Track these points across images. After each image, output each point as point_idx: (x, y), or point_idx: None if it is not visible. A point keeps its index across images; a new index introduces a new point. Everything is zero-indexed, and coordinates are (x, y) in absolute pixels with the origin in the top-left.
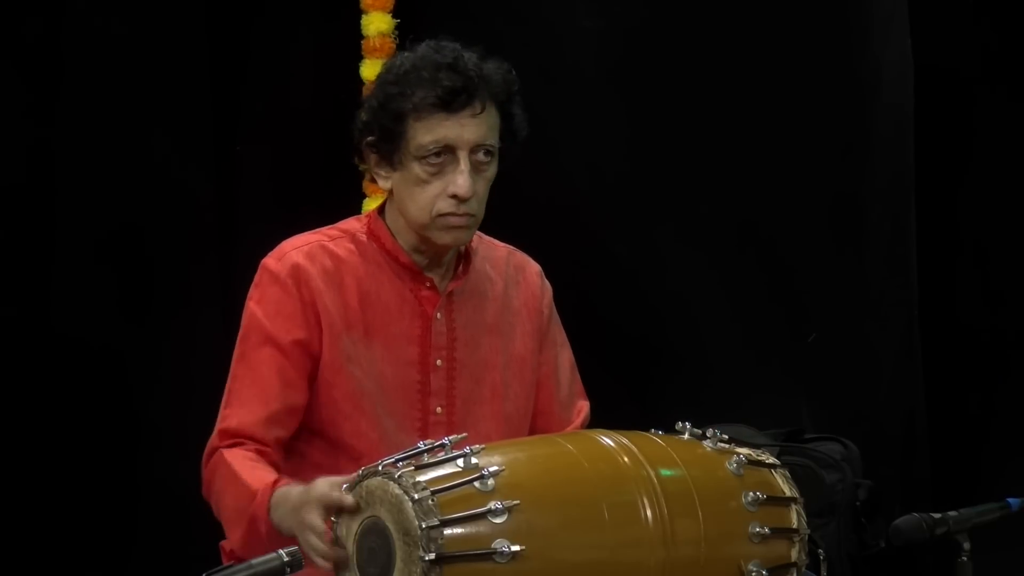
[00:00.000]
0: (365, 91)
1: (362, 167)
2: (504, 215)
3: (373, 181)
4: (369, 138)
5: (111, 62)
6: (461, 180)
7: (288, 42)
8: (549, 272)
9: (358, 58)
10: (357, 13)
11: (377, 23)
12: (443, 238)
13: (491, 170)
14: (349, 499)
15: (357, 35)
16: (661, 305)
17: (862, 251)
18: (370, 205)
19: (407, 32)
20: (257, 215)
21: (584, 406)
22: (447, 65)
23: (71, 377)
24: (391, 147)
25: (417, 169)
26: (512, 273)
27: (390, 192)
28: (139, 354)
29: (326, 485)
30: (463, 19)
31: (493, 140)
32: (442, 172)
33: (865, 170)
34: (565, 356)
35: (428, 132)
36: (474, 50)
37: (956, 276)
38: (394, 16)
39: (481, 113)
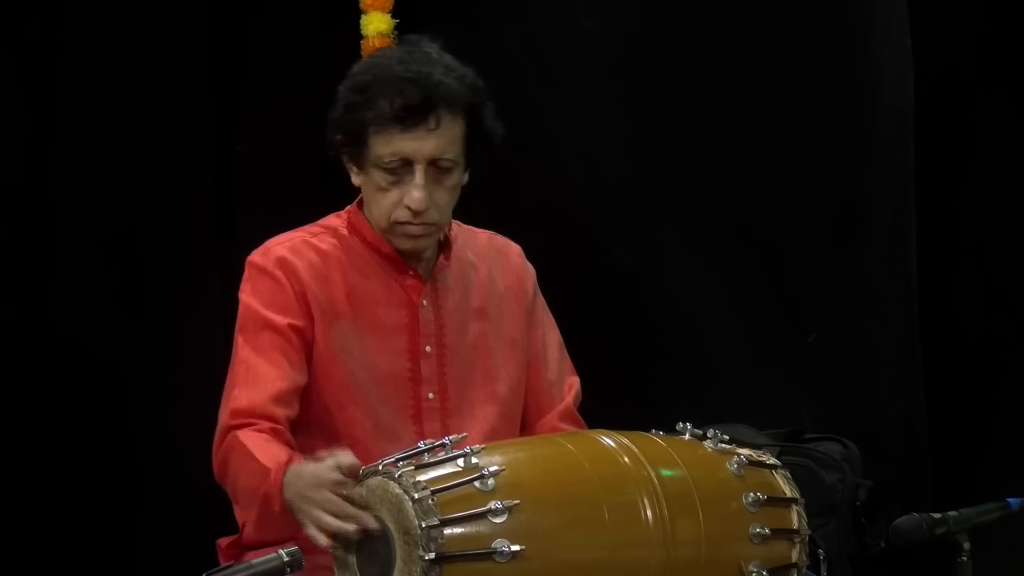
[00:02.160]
0: None
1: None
2: (504, 215)
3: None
4: (337, 136)
5: (111, 62)
6: (416, 194)
7: (288, 42)
8: (549, 272)
9: (357, 58)
10: (356, 13)
11: (376, 23)
12: (402, 244)
13: (453, 179)
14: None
15: (356, 35)
16: (661, 305)
17: (862, 251)
18: None
19: (406, 32)
20: (256, 215)
21: (575, 381)
22: (406, 79)
23: (71, 376)
24: (356, 151)
25: (377, 176)
26: (494, 256)
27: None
28: (139, 352)
29: (334, 471)
30: (462, 19)
31: (452, 153)
32: (400, 181)
33: (865, 170)
34: (552, 334)
35: (385, 145)
36: (446, 56)
37: (956, 276)
38: (393, 16)
39: (437, 128)
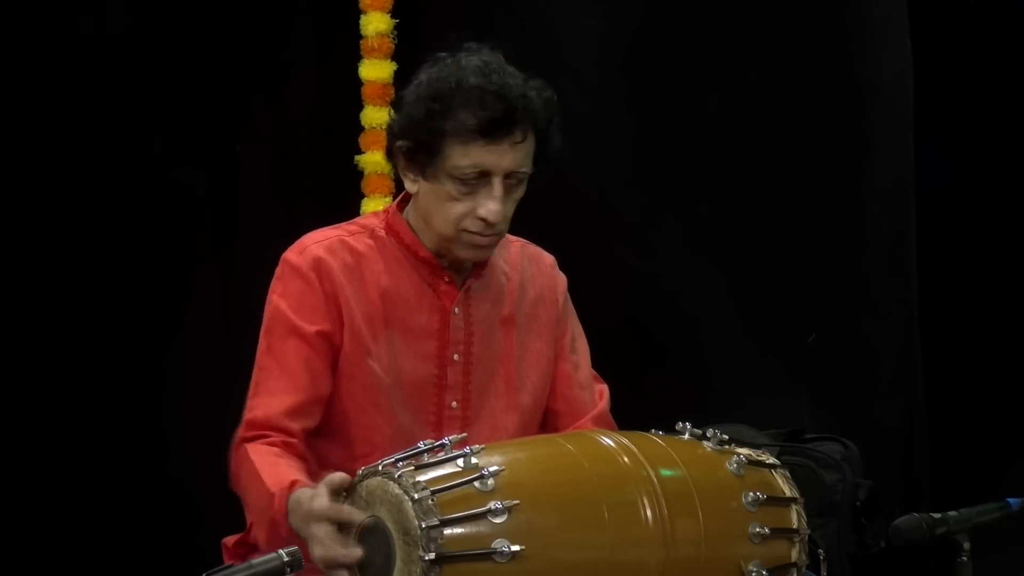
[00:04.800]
0: (365, 91)
1: (387, 163)
2: None
3: (400, 181)
4: (402, 143)
5: (110, 62)
6: (493, 206)
7: (287, 42)
8: None
9: (357, 58)
10: (356, 13)
11: (376, 23)
12: (465, 253)
13: (520, 190)
14: (354, 514)
15: (356, 35)
16: (661, 305)
17: (862, 251)
18: (368, 205)
19: (406, 32)
20: (257, 215)
21: (604, 389)
22: (494, 92)
23: (73, 378)
24: (425, 159)
25: (449, 186)
26: (527, 265)
27: (416, 194)
28: (140, 354)
29: (326, 497)
30: (462, 19)
31: (527, 167)
32: (474, 193)
33: (865, 170)
34: (581, 343)
35: (465, 156)
36: (510, 67)
37: (956, 276)
38: (393, 16)
39: (521, 142)
